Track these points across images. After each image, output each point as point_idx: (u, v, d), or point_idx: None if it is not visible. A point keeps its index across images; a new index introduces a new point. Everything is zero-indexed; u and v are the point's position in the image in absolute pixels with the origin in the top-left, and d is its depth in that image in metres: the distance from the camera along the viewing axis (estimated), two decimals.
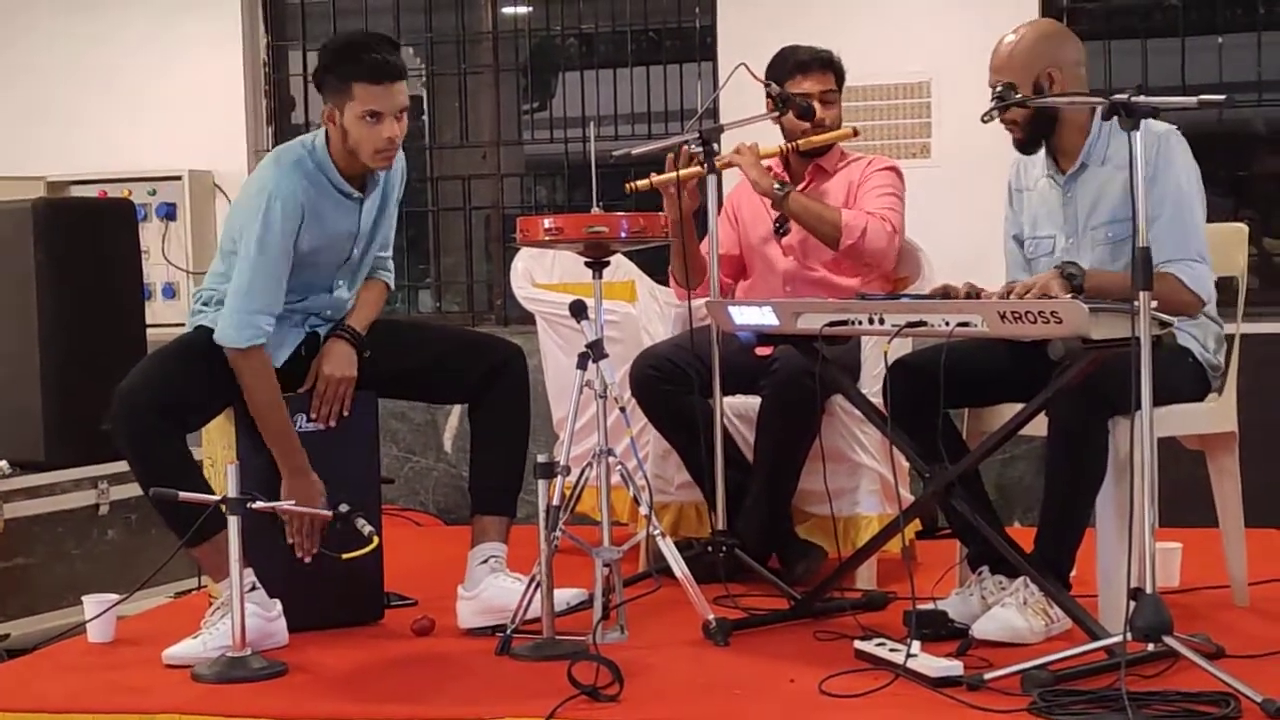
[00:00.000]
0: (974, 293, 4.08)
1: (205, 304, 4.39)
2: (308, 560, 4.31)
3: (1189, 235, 4.16)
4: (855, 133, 5.11)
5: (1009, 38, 4.32)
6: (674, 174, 4.86)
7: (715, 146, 4.77)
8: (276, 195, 4.23)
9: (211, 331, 4.26)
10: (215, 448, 4.51)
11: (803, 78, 5.10)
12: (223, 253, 4.40)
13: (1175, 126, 4.25)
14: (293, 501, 4.22)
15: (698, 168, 4.82)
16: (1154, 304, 3.60)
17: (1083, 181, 4.33)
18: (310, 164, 4.32)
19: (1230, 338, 4.40)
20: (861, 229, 4.90)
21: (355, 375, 4.39)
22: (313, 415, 4.36)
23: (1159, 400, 3.63)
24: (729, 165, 4.95)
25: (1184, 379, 4.23)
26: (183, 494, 3.99)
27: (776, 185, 4.94)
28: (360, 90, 4.21)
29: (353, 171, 4.36)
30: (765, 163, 5.06)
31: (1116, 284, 3.91)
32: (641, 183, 4.96)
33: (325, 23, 7.71)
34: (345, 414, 4.39)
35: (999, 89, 4.18)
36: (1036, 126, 4.29)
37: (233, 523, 3.93)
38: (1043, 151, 4.41)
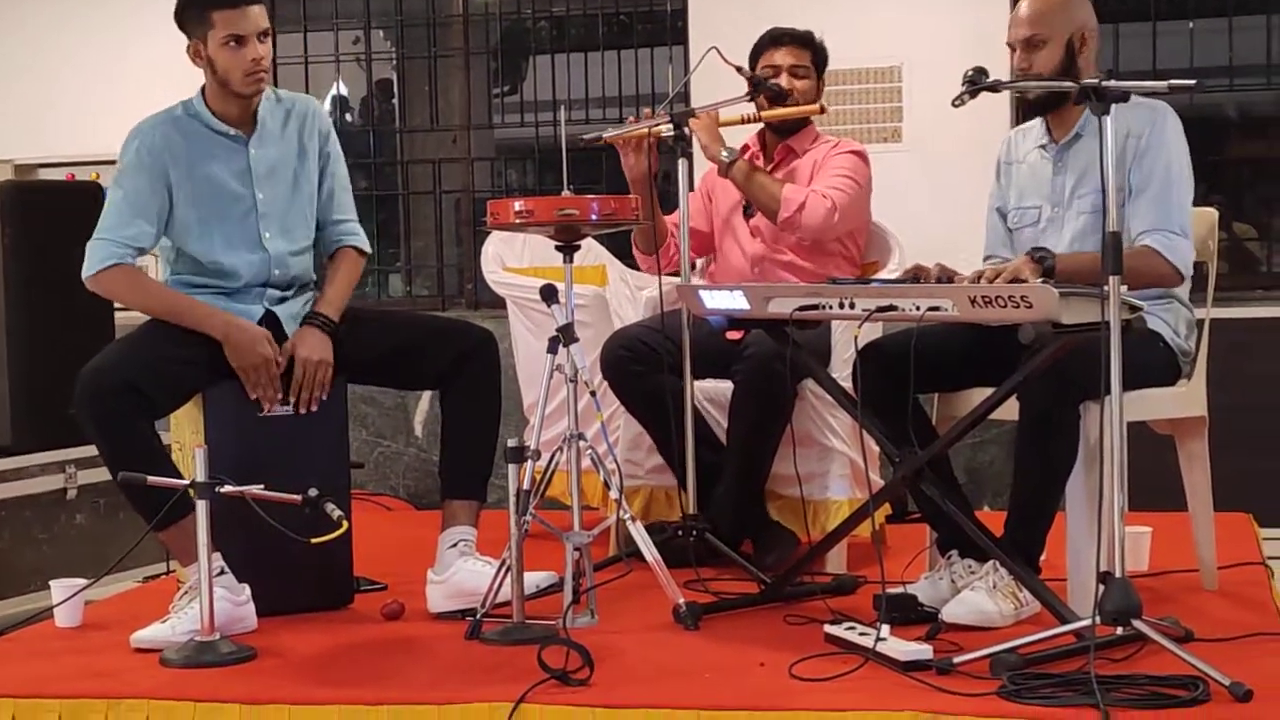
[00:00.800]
0: (945, 275, 4.08)
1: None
2: (272, 409, 4.33)
3: (1172, 209, 4.18)
4: (823, 109, 5.10)
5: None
6: (632, 128, 4.87)
7: (686, 130, 4.78)
8: (136, 136, 4.40)
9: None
10: (183, 432, 4.50)
11: (774, 50, 5.12)
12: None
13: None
14: (256, 394, 4.29)
15: (660, 127, 4.83)
16: (1124, 286, 3.60)
17: (1075, 151, 4.34)
18: (180, 112, 4.45)
19: (1200, 322, 4.41)
20: (800, 203, 4.90)
21: (331, 359, 4.37)
22: (291, 399, 4.34)
23: (1129, 385, 3.64)
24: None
25: (1154, 364, 4.23)
26: (151, 478, 3.98)
27: (724, 152, 4.95)
28: (219, 17, 4.33)
29: (230, 112, 4.43)
30: (744, 141, 5.06)
31: (1087, 266, 3.91)
32: (600, 136, 4.97)
33: (294, 6, 7.70)
34: (324, 398, 4.38)
35: (977, 77, 4.08)
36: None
37: (201, 507, 3.91)
38: (1038, 124, 4.42)
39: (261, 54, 4.35)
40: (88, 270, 4.33)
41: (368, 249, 4.70)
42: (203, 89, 4.46)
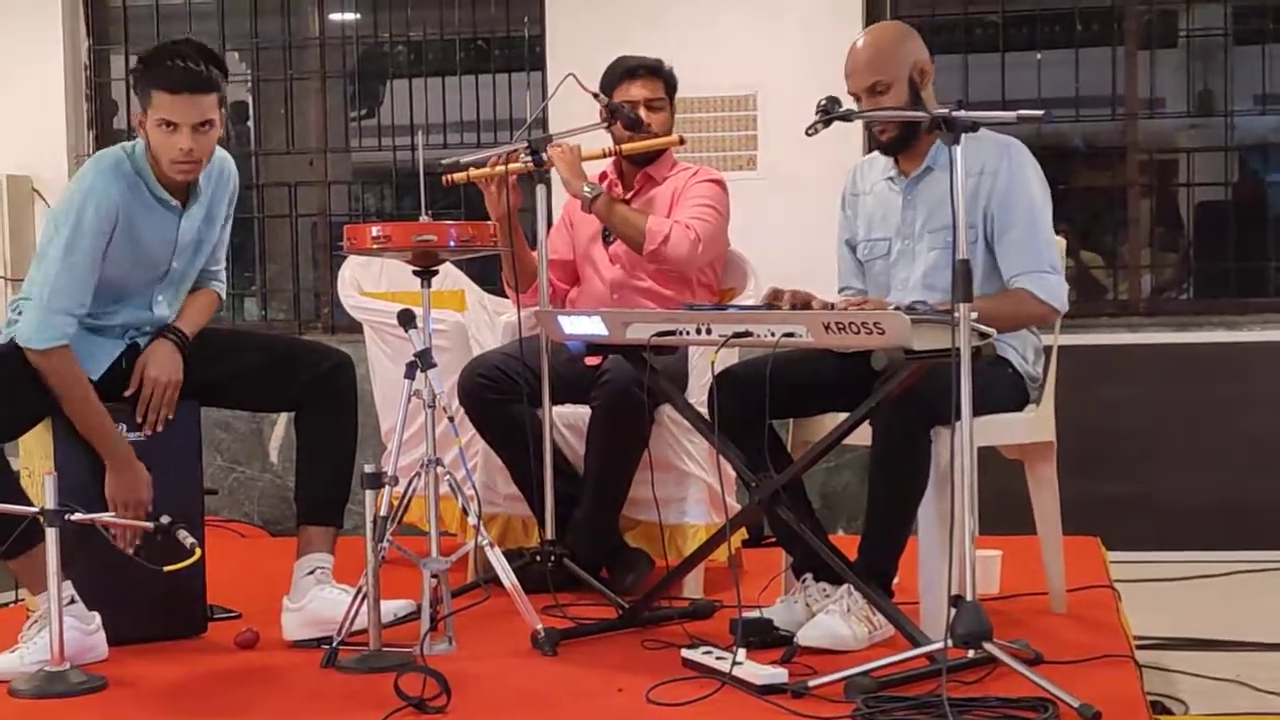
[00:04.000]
0: (800, 302, 4.09)
1: (21, 313, 4.29)
2: (129, 550, 4.20)
3: (1041, 247, 4.25)
4: (681, 140, 5.14)
5: (863, 40, 4.35)
6: (493, 170, 4.86)
7: (543, 156, 4.79)
8: (91, 196, 4.17)
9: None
10: (33, 458, 4.42)
11: (630, 84, 5.14)
12: (38, 258, 4.30)
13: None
14: (113, 514, 4.15)
15: (519, 165, 4.82)
16: (974, 318, 3.65)
17: (925, 185, 4.38)
18: (129, 167, 4.26)
19: (1048, 349, 4.48)
20: (664, 235, 4.94)
21: (180, 379, 4.32)
22: (138, 419, 4.28)
23: (979, 410, 3.69)
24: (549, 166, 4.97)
25: (1003, 389, 4.30)
26: (0, 505, 3.91)
27: (586, 188, 4.96)
28: (158, 98, 4.18)
29: (172, 180, 4.29)
30: (601, 169, 5.08)
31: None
32: (459, 175, 4.96)
33: (148, 25, 7.61)
34: (170, 418, 4.32)
35: (830, 106, 4.12)
36: (908, 125, 4.31)
37: (50, 535, 3.85)
38: (883, 157, 4.46)
39: (191, 146, 4.16)
40: (39, 343, 4.12)
41: (224, 298, 4.65)
42: (148, 143, 4.27)
